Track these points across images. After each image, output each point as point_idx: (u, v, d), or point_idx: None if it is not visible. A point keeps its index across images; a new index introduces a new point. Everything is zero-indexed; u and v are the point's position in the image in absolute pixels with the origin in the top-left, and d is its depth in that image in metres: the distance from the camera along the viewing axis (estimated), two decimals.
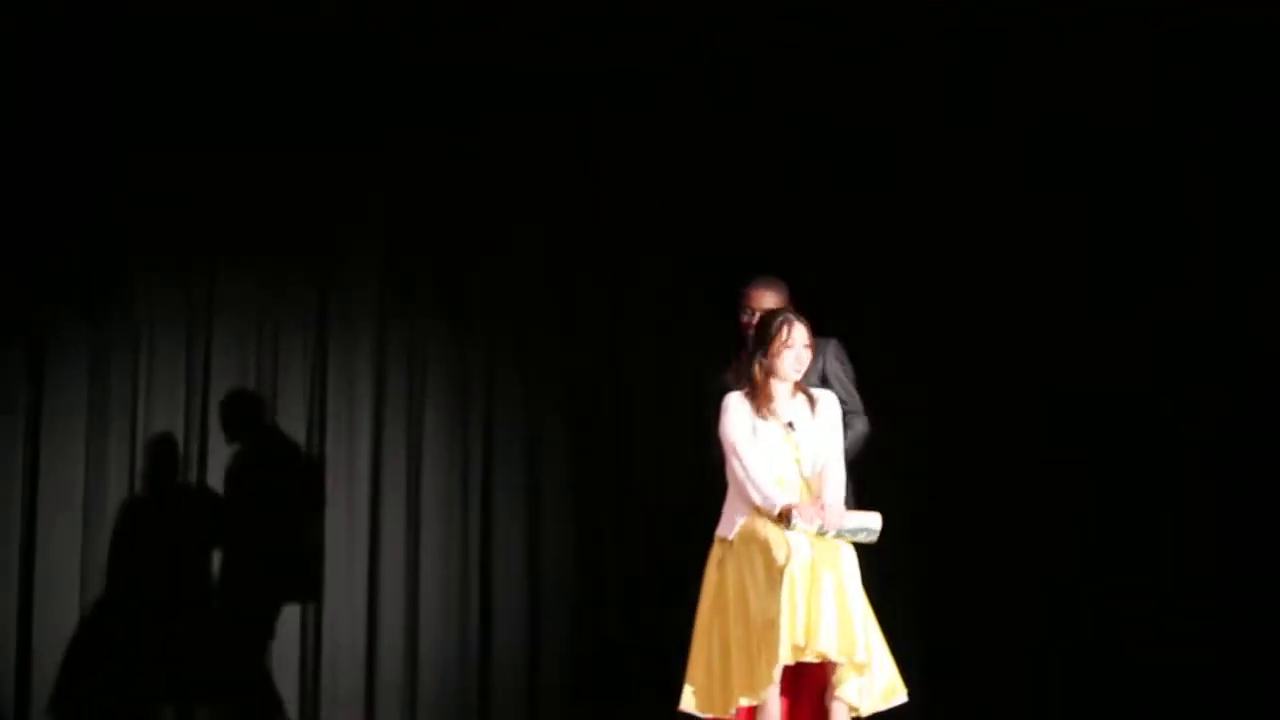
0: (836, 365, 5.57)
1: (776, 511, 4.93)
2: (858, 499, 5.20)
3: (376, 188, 6.76)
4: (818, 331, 5.18)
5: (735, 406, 5.11)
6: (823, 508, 4.93)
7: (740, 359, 5.30)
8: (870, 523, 4.98)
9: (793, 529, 4.88)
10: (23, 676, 6.21)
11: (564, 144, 6.82)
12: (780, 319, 5.09)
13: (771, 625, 4.77)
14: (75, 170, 6.48)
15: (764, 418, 5.07)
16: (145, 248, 6.56)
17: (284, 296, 6.65)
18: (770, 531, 4.92)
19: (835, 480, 5.05)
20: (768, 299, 5.51)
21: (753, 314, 5.43)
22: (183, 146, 6.52)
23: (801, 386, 5.13)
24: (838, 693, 4.85)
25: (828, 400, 5.16)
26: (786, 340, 5.06)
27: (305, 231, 6.69)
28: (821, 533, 4.90)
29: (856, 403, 5.53)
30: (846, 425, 5.29)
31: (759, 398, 5.08)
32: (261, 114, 6.61)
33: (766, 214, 6.74)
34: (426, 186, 6.76)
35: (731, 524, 5.06)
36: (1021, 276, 6.70)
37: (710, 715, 4.98)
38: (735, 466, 5.06)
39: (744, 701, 4.87)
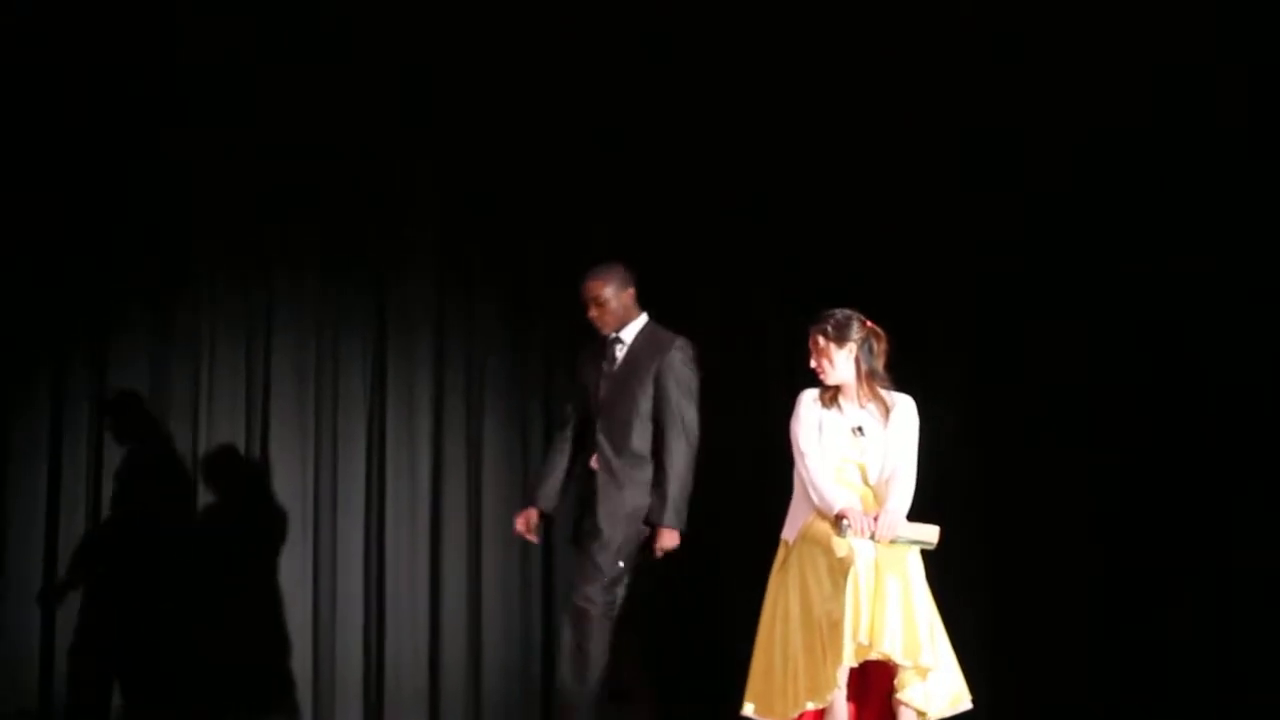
0: (680, 371, 5.42)
1: (833, 515, 4.90)
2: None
3: (432, 188, 6.77)
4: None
5: (806, 405, 5.06)
6: (876, 517, 4.88)
7: (599, 348, 5.44)
8: (927, 535, 4.92)
9: (843, 536, 4.83)
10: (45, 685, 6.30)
11: (623, 142, 6.79)
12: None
13: (836, 626, 4.74)
14: (136, 177, 6.54)
15: (829, 410, 5.03)
16: (206, 255, 6.60)
17: (343, 300, 6.68)
18: (832, 531, 4.88)
19: (900, 488, 4.99)
20: (606, 288, 5.45)
21: (598, 307, 5.43)
22: (245, 149, 6.58)
23: (877, 391, 5.07)
24: (901, 696, 4.83)
25: (903, 406, 5.09)
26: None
27: (363, 235, 6.70)
28: (875, 540, 4.85)
29: (682, 420, 5.36)
30: (668, 446, 5.28)
31: (827, 393, 5.05)
32: (319, 115, 6.64)
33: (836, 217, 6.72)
34: (482, 185, 6.77)
35: (795, 525, 5.03)
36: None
37: (772, 719, 4.94)
38: (799, 466, 5.02)
39: (810, 705, 4.84)
